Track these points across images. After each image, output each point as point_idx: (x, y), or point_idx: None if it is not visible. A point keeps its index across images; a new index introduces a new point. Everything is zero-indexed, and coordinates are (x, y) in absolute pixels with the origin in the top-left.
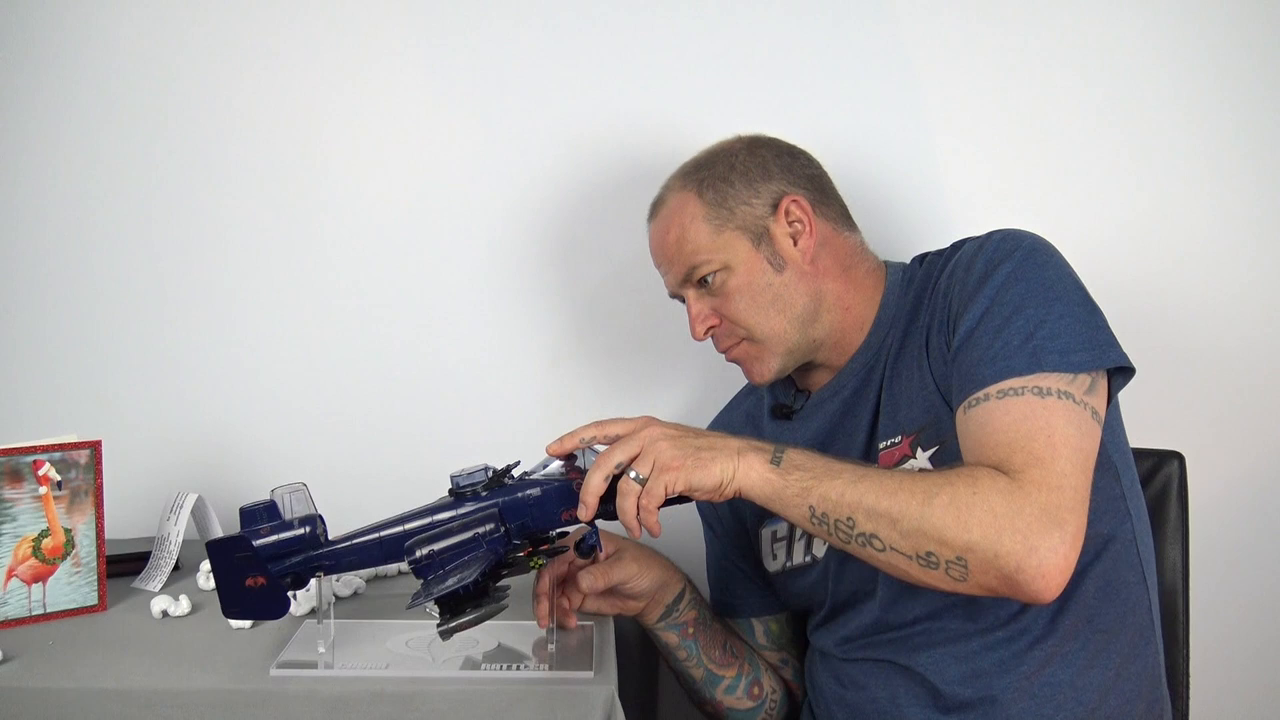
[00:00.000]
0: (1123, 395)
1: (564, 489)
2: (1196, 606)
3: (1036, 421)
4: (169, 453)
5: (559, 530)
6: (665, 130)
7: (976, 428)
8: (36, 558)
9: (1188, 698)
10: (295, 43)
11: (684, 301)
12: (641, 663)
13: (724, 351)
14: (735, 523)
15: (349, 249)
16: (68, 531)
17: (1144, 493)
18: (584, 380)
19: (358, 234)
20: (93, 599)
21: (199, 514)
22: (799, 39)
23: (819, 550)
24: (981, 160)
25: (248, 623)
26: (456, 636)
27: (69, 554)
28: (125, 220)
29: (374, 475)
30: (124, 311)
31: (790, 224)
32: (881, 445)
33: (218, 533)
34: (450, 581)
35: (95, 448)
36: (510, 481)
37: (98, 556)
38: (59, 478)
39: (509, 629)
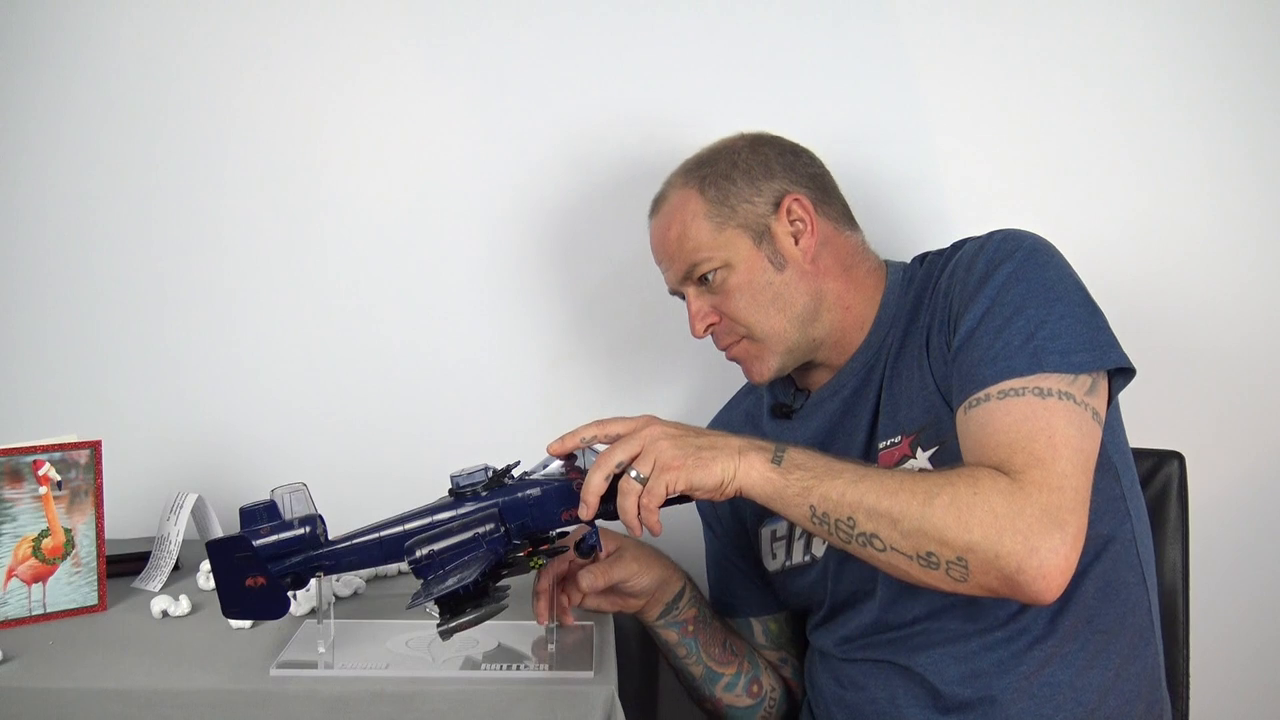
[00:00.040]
0: (1123, 395)
1: (564, 489)
2: (1196, 607)
3: (1037, 422)
4: (169, 453)
5: (559, 530)
6: (665, 130)
7: (977, 428)
8: (36, 558)
9: (1188, 698)
10: (295, 43)
11: (684, 298)
12: (641, 662)
13: (724, 349)
14: (735, 522)
15: (349, 249)
16: (68, 531)
17: (1144, 493)
18: (584, 380)
19: (357, 234)
20: (93, 599)
21: (199, 514)
22: (799, 39)
23: (818, 550)
24: (981, 160)
25: (248, 623)
26: (456, 636)
27: (69, 554)
28: (125, 220)
29: (374, 475)
30: (124, 311)
31: (792, 223)
32: (881, 445)
33: (218, 533)
34: (450, 581)
35: (95, 448)
36: (510, 481)
37: (98, 556)
38: (59, 478)
39: (509, 629)
